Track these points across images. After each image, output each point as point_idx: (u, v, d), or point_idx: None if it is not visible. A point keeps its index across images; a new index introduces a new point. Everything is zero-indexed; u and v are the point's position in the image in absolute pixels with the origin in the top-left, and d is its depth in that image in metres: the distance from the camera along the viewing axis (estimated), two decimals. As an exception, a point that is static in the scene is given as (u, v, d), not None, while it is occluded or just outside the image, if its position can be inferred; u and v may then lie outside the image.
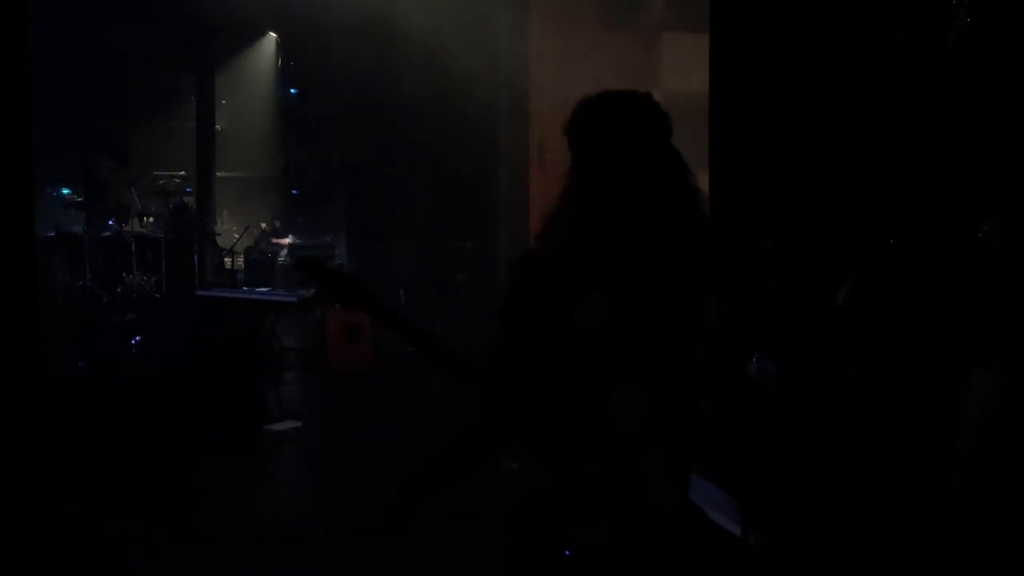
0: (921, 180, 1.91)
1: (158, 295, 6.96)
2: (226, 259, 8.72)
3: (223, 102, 11.60)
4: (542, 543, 1.69)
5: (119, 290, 6.93)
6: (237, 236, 9.53)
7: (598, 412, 1.66)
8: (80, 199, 7.46)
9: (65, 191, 7.99)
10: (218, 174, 11.21)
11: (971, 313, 1.81)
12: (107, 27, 9.57)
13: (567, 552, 1.65)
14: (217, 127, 11.27)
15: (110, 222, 7.32)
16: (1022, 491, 1.50)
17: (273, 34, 11.81)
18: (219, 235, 8.35)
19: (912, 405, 1.76)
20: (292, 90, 11.93)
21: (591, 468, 1.67)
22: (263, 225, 10.79)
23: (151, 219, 7.52)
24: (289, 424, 6.11)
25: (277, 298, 6.08)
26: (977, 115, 1.86)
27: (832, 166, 2.22)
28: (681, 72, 6.40)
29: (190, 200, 8.66)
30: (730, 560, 2.01)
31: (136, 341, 5.00)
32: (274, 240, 9.84)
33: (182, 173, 9.94)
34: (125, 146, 8.02)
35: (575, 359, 1.63)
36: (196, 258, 7.10)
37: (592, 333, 1.62)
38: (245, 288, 6.94)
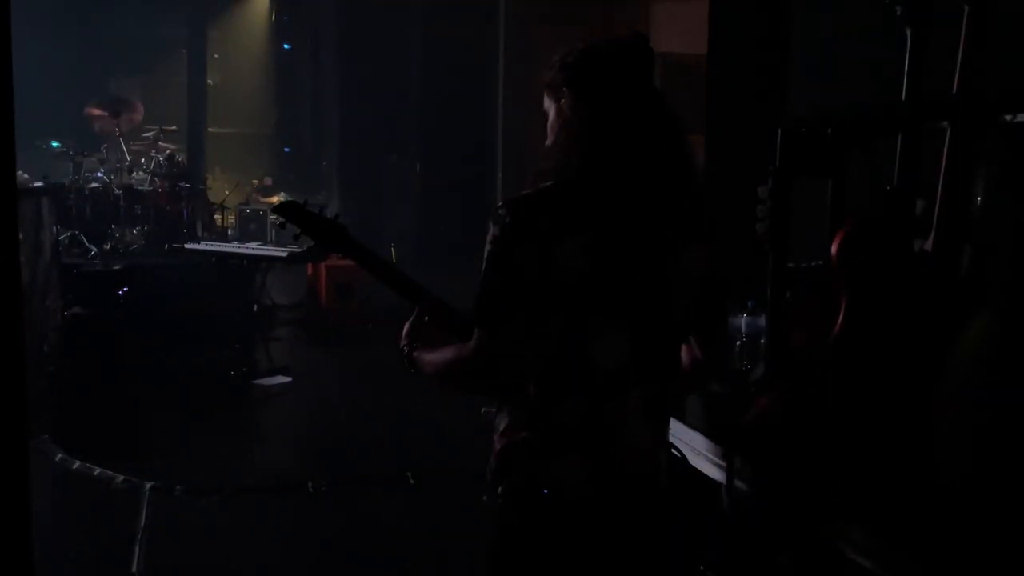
0: (911, 130, 1.89)
1: (146, 247, 6.91)
2: (216, 215, 8.65)
3: (215, 56, 11.45)
4: (521, 483, 1.70)
5: (107, 242, 6.88)
6: (228, 192, 9.44)
7: (579, 354, 1.66)
8: (69, 151, 7.37)
9: (54, 144, 7.88)
10: (210, 130, 11.10)
11: (962, 260, 1.80)
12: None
13: (545, 491, 1.65)
14: (209, 82, 11.14)
15: (99, 173, 7.25)
16: (1006, 438, 1.50)
17: (267, -12, 11.65)
18: (210, 190, 8.29)
19: (900, 353, 1.75)
20: (285, 45, 11.78)
21: (570, 409, 1.67)
22: (254, 182, 10.71)
23: (140, 171, 7.44)
24: (279, 379, 6.12)
25: (267, 253, 6.04)
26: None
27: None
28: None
29: (181, 154, 8.58)
30: (711, 506, 2.02)
31: (123, 292, 4.97)
32: (262, 198, 9.78)
33: (173, 127, 9.84)
34: (116, 98, 7.92)
35: (557, 302, 1.62)
36: (186, 212, 7.05)
37: (573, 276, 1.61)
38: (235, 243, 6.89)
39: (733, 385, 2.45)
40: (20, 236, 5.65)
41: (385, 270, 1.93)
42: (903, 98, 1.92)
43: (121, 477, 4.37)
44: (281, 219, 1.98)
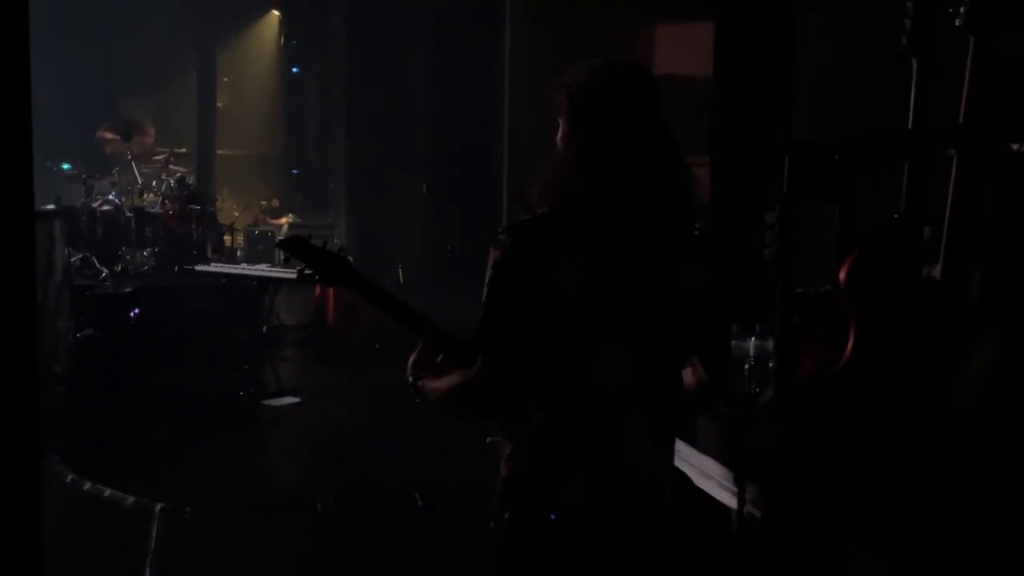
0: (918, 158, 1.92)
1: (157, 269, 6.96)
2: (226, 236, 8.72)
3: (225, 80, 11.55)
4: (528, 508, 1.72)
5: (118, 264, 6.93)
6: (237, 214, 9.50)
7: (580, 376, 1.68)
8: (81, 173, 7.44)
9: (65, 166, 7.96)
10: (219, 152, 11.18)
11: (971, 286, 1.82)
12: (110, 2, 9.53)
13: (552, 516, 1.68)
14: (219, 104, 11.23)
15: (110, 195, 7.31)
16: (1016, 462, 1.52)
17: (276, 12, 11.76)
18: (219, 211, 8.35)
19: (909, 378, 1.77)
20: (294, 68, 11.88)
21: (573, 431, 1.70)
22: (263, 203, 10.78)
23: (151, 194, 7.51)
24: (287, 399, 6.14)
25: (276, 274, 6.08)
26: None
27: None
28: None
29: (192, 176, 8.64)
30: (718, 529, 2.04)
31: (135, 313, 5.01)
32: (270, 220, 9.84)
33: (183, 149, 9.92)
34: (127, 121, 8.00)
35: (557, 325, 1.66)
36: (196, 233, 7.10)
37: (572, 299, 1.65)
38: (244, 265, 6.94)
39: (742, 408, 2.47)
40: (32, 258, 5.71)
41: (388, 302, 1.95)
42: (910, 126, 1.95)
43: (131, 498, 4.38)
44: (286, 253, 2.00)
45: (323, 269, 1.98)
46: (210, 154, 10.77)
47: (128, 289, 5.40)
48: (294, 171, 11.88)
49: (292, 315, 7.83)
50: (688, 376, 1.86)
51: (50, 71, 8.48)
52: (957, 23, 1.84)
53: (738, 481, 1.95)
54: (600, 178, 1.70)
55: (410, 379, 1.89)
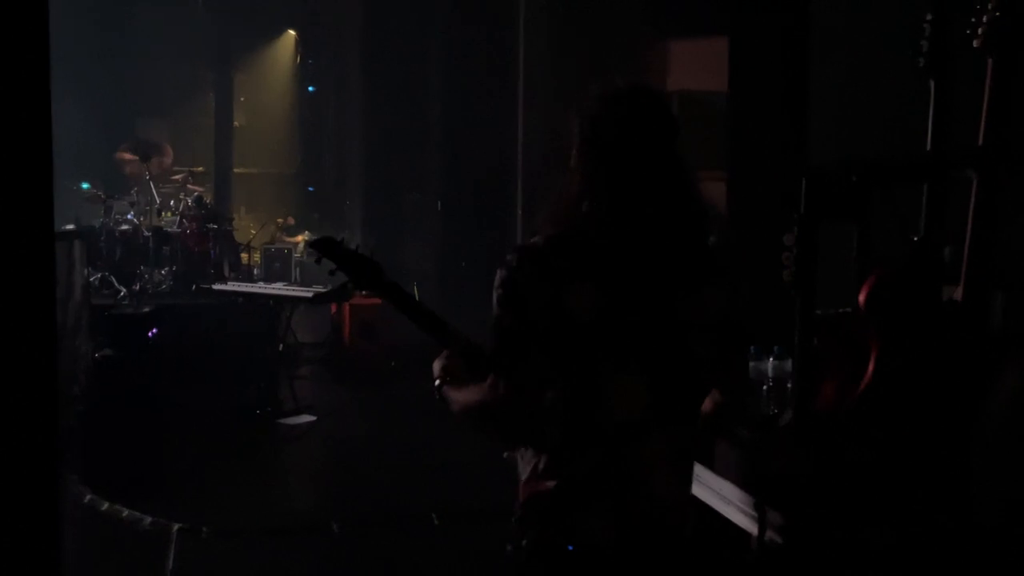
0: (936, 180, 1.91)
1: (175, 287, 7.00)
2: (243, 255, 8.77)
3: (242, 99, 11.66)
4: (546, 536, 1.70)
5: (136, 283, 6.98)
6: (254, 232, 9.56)
7: (597, 401, 1.67)
8: (100, 193, 7.52)
9: (85, 185, 8.04)
10: (235, 170, 11.28)
11: (994, 307, 1.80)
12: (128, 23, 9.65)
13: (570, 547, 1.66)
14: (236, 124, 11.34)
15: (129, 215, 7.38)
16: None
17: (292, 32, 11.87)
18: (236, 230, 8.41)
19: (933, 400, 1.75)
20: (310, 87, 11.98)
21: (593, 457, 1.68)
22: (279, 221, 10.84)
23: (169, 213, 7.57)
24: (303, 418, 6.15)
25: (293, 293, 6.11)
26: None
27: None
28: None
29: (208, 196, 8.71)
30: (739, 557, 2.02)
31: (153, 333, 5.04)
32: (286, 238, 9.89)
33: (200, 169, 10.01)
34: (146, 142, 8.08)
35: (570, 346, 1.64)
36: (213, 252, 7.14)
37: (584, 321, 1.63)
38: (261, 283, 6.97)
39: (761, 431, 2.45)
40: (52, 278, 5.76)
41: (416, 310, 1.95)
42: (928, 147, 1.94)
43: (149, 518, 4.39)
44: (317, 254, 1.98)
45: (355, 272, 1.96)
46: (227, 173, 10.87)
47: (146, 309, 5.43)
48: (310, 189, 11.95)
49: (309, 333, 7.85)
50: (707, 399, 1.85)
51: (70, 92, 8.60)
52: (975, 44, 1.82)
53: (758, 507, 1.93)
54: (610, 204, 1.69)
55: (436, 383, 1.87)
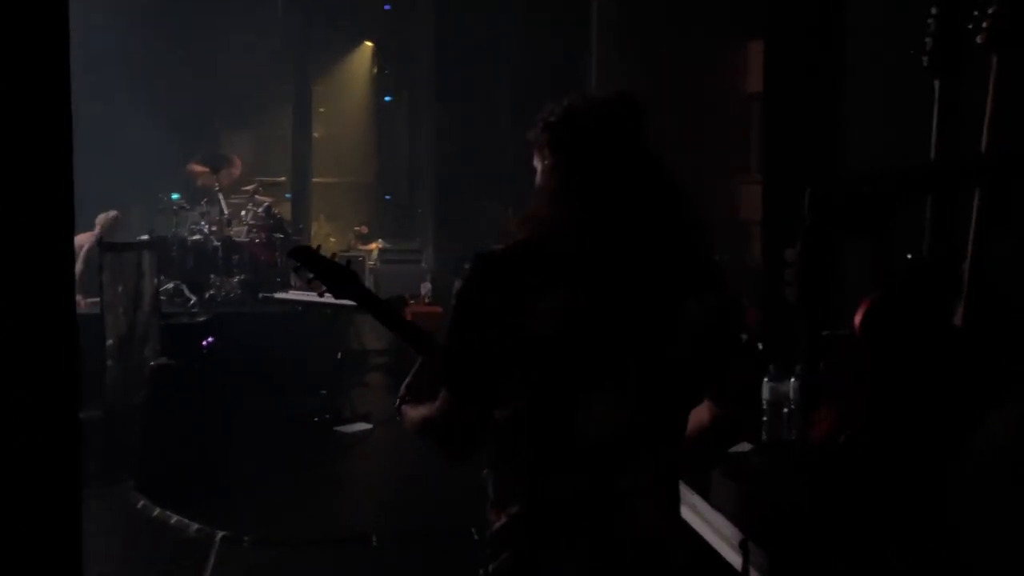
0: (941, 191, 1.74)
1: (243, 297, 7.17)
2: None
3: (321, 110, 11.91)
4: (516, 568, 1.61)
5: (207, 292, 7.18)
6: (333, 239, 9.71)
7: (566, 421, 1.57)
8: (173, 204, 7.79)
9: (175, 196, 8.34)
10: (315, 180, 11.51)
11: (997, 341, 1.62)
12: (212, 42, 9.98)
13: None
14: (315, 134, 11.58)
15: (201, 224, 7.60)
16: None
17: (369, 43, 12.05)
18: (315, 237, 8.53)
19: (928, 432, 1.59)
20: (386, 97, 12.14)
21: (564, 483, 1.58)
22: (356, 229, 11.01)
23: (239, 224, 7.77)
24: (359, 426, 6.19)
25: (349, 302, 6.15)
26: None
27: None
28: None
29: (277, 206, 8.88)
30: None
31: (209, 341, 5.15)
32: (360, 246, 10.03)
33: (282, 178, 10.27)
34: (216, 154, 8.32)
35: (531, 362, 1.54)
36: (279, 261, 7.29)
37: (547, 334, 1.52)
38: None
39: (772, 458, 2.30)
40: (120, 288, 5.97)
41: (393, 319, 1.92)
42: (932, 155, 1.77)
43: (195, 526, 4.48)
44: (295, 263, 2.00)
45: (331, 281, 1.98)
46: (306, 182, 11.10)
47: (201, 318, 5.56)
48: (387, 197, 12.10)
49: (376, 340, 7.92)
50: (704, 413, 1.72)
51: (158, 108, 8.97)
52: (979, 40, 1.65)
53: (743, 544, 1.79)
54: (583, 208, 1.59)
55: (397, 401, 1.84)
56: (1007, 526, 1.38)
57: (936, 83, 1.75)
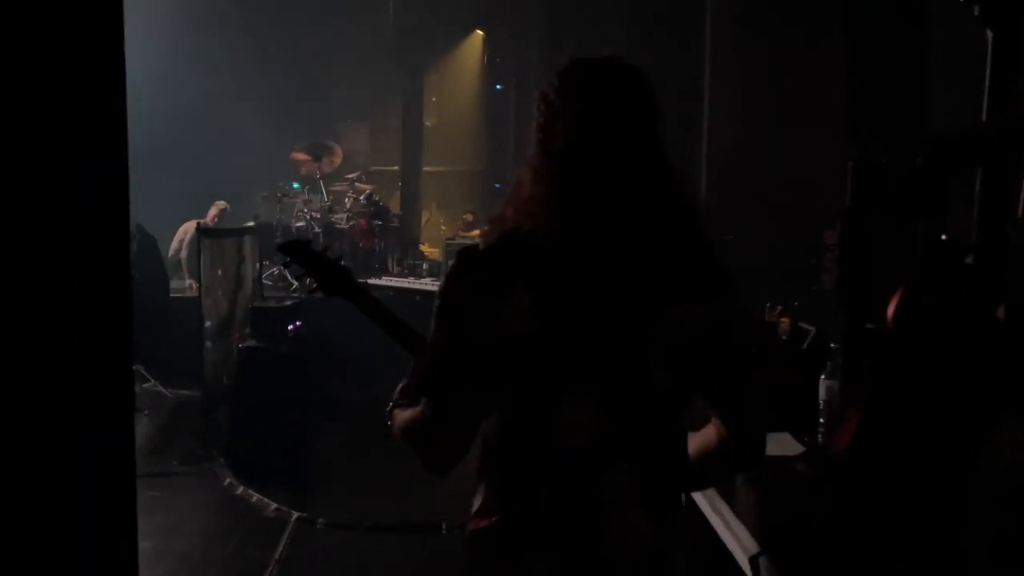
0: (991, 161, 1.51)
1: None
2: (425, 248, 9.04)
3: (433, 99, 12.03)
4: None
5: (307, 277, 7.35)
6: (444, 227, 9.78)
7: (545, 427, 1.45)
8: (277, 193, 8.03)
9: (295, 185, 8.62)
10: (427, 168, 11.64)
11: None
12: (328, 37, 10.26)
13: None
14: (427, 123, 11.71)
15: (304, 211, 7.80)
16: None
17: (480, 32, 12.07)
18: (426, 224, 8.55)
19: (936, 442, 1.38)
20: (497, 85, 12.12)
21: (543, 492, 1.47)
22: (463, 217, 11.07)
23: (340, 210, 7.93)
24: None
25: (434, 287, 6.17)
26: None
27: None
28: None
29: (392, 195, 8.98)
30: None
31: (295, 325, 5.26)
32: (463, 233, 10.07)
33: (394, 167, 10.43)
34: (317, 143, 8.52)
35: (514, 367, 1.43)
36: (378, 247, 7.38)
37: (531, 337, 1.41)
38: (411, 278, 7.11)
39: (818, 466, 2.08)
40: (219, 271, 6.19)
41: (386, 318, 1.85)
42: (983, 116, 1.54)
43: (274, 505, 4.59)
44: (285, 258, 1.95)
45: (322, 276, 1.92)
46: (417, 171, 11.24)
47: (288, 302, 5.69)
48: (497, 185, 12.11)
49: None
50: (712, 432, 1.56)
51: (279, 104, 9.29)
52: (975, 13, 1.43)
53: (753, 560, 1.62)
54: (566, 200, 1.46)
55: (389, 404, 1.75)
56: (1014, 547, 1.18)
57: (989, 34, 1.52)
